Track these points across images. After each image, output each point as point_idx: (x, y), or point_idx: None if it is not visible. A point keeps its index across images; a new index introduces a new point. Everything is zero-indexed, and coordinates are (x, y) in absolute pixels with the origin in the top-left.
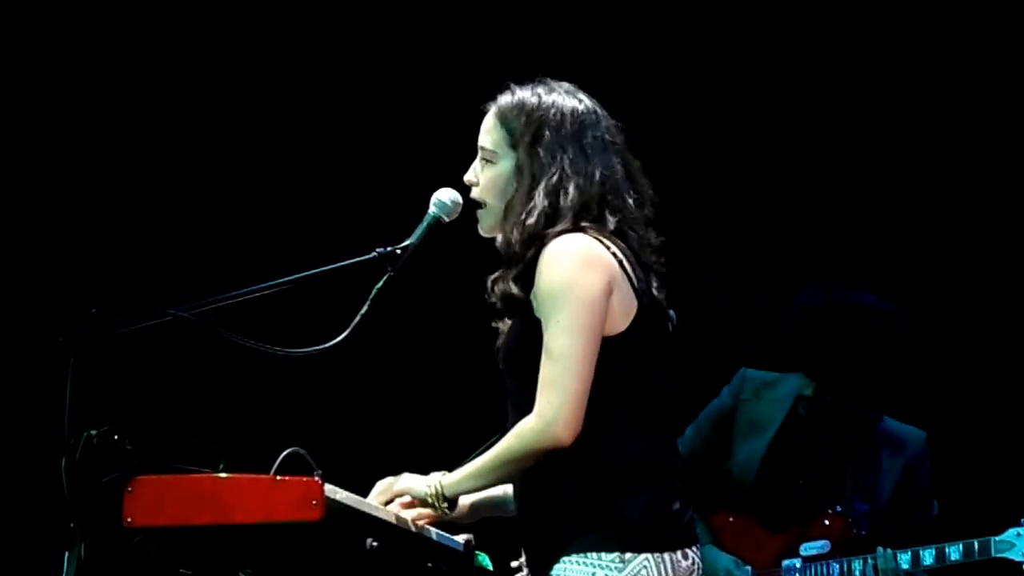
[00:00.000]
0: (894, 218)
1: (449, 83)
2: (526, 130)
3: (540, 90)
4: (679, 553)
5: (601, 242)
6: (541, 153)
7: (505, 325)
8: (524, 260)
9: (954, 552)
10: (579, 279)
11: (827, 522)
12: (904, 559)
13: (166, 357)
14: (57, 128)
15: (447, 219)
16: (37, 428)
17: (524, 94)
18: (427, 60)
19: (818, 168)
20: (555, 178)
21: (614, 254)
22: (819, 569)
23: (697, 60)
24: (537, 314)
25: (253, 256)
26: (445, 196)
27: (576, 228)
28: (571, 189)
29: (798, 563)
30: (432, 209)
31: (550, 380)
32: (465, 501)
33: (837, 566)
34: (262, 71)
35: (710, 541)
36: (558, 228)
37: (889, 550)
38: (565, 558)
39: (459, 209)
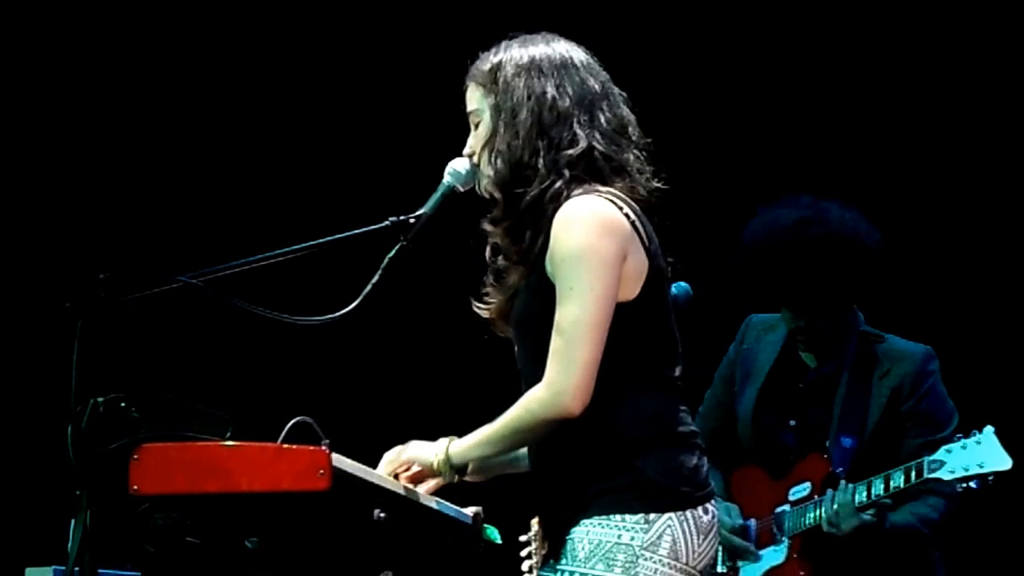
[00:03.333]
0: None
1: (465, 52)
2: (494, 78)
3: (504, 43)
4: (699, 509)
5: (614, 203)
6: (500, 88)
7: (499, 284)
8: (519, 207)
9: (897, 476)
10: (594, 245)
11: (808, 462)
12: (860, 491)
13: (175, 324)
14: (66, 92)
15: (462, 189)
16: (44, 394)
17: (491, 53)
18: (443, 28)
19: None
20: (512, 103)
21: (627, 215)
22: (798, 514)
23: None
24: (551, 278)
25: (265, 223)
26: (460, 165)
27: (579, 180)
28: (526, 110)
29: (787, 508)
30: (447, 179)
31: (560, 349)
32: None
33: (812, 508)
34: (275, 38)
35: (724, 497)
36: (549, 164)
37: (849, 485)
38: (586, 520)
39: (473, 179)
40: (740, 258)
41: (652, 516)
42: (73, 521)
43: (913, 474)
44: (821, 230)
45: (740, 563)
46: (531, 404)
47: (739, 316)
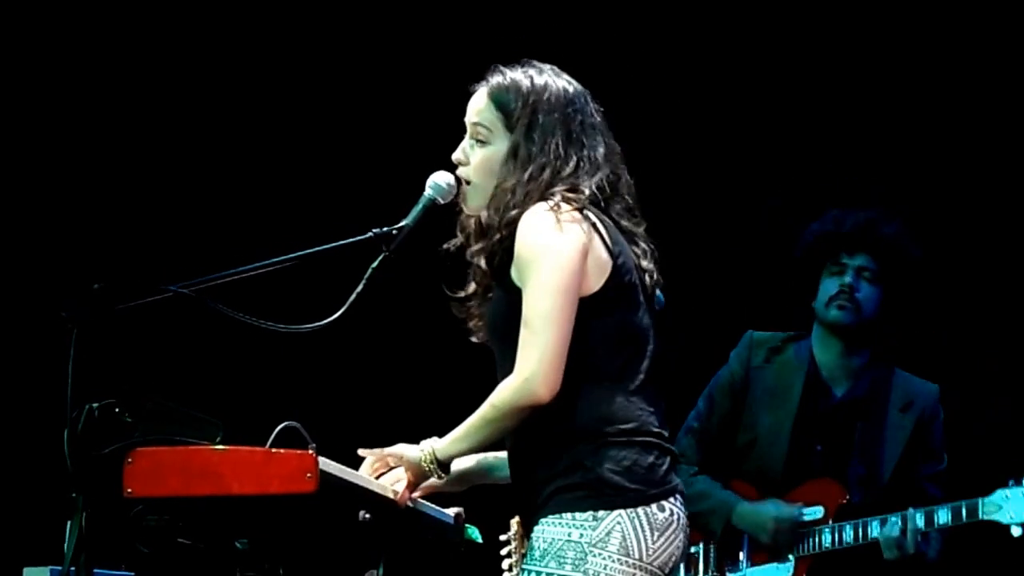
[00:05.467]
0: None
1: (447, 65)
2: (522, 113)
3: (531, 72)
4: (654, 506)
5: (573, 205)
6: (536, 137)
7: (471, 297)
8: (502, 234)
9: (943, 514)
10: (554, 240)
11: (820, 486)
12: (920, 518)
13: (166, 332)
14: (60, 106)
15: (442, 201)
16: (41, 401)
17: (516, 75)
18: (423, 41)
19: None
20: (544, 160)
21: (586, 216)
22: (811, 536)
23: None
24: (517, 282)
25: (253, 234)
26: (441, 179)
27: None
28: (551, 171)
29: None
30: (428, 191)
31: (528, 340)
32: (454, 468)
33: (829, 533)
34: (259, 51)
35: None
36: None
37: (915, 512)
38: (543, 520)
39: (454, 192)
40: (806, 242)
41: (601, 513)
42: (69, 523)
43: (965, 514)
44: (883, 215)
45: (728, 572)
46: (502, 393)
47: (722, 330)
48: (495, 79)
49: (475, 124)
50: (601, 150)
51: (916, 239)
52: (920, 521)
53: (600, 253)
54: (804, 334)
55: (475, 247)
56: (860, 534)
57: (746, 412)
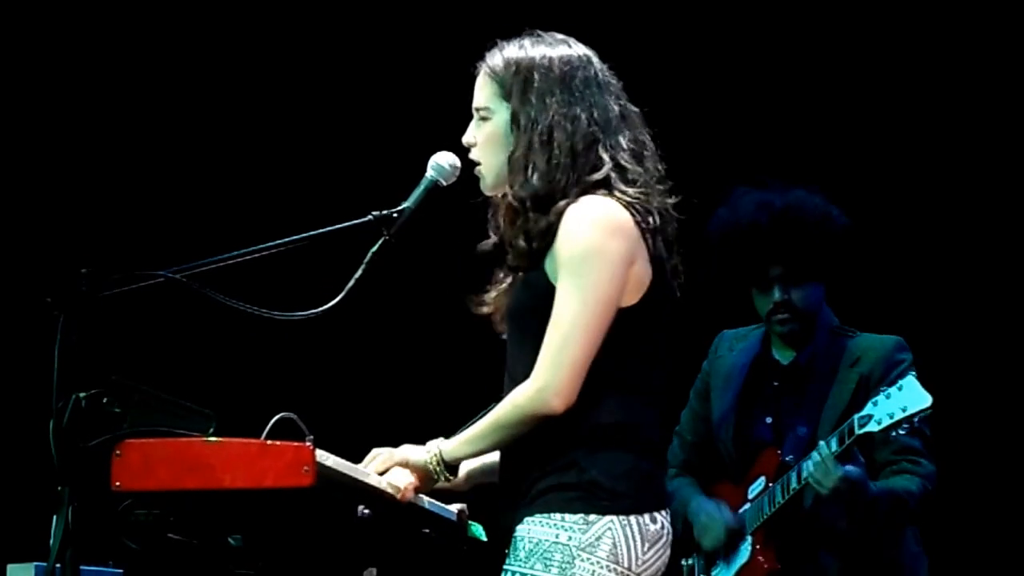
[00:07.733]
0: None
1: (448, 45)
2: (516, 79)
3: (527, 41)
4: (647, 516)
5: (626, 207)
6: (533, 100)
7: (503, 282)
8: (549, 220)
9: (834, 442)
10: (603, 246)
11: (763, 458)
12: (833, 442)
13: (157, 319)
14: (49, 90)
15: (445, 183)
16: (25, 390)
17: (511, 47)
18: (425, 21)
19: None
20: (548, 123)
21: (637, 222)
22: (756, 508)
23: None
24: (551, 276)
25: (248, 218)
26: (443, 159)
27: (593, 186)
28: (563, 132)
29: (748, 506)
30: (429, 173)
31: (554, 346)
32: (461, 469)
33: (767, 498)
34: (256, 34)
35: None
36: (573, 186)
37: (825, 440)
38: (528, 518)
39: (457, 173)
40: (708, 248)
41: (592, 517)
42: (55, 517)
43: (846, 435)
44: (785, 201)
45: (714, 572)
46: (517, 399)
47: (710, 335)
48: (491, 55)
49: (477, 104)
50: (615, 108)
51: (829, 212)
52: (834, 445)
53: (644, 265)
54: None
55: (513, 231)
56: (785, 488)
57: (710, 405)
